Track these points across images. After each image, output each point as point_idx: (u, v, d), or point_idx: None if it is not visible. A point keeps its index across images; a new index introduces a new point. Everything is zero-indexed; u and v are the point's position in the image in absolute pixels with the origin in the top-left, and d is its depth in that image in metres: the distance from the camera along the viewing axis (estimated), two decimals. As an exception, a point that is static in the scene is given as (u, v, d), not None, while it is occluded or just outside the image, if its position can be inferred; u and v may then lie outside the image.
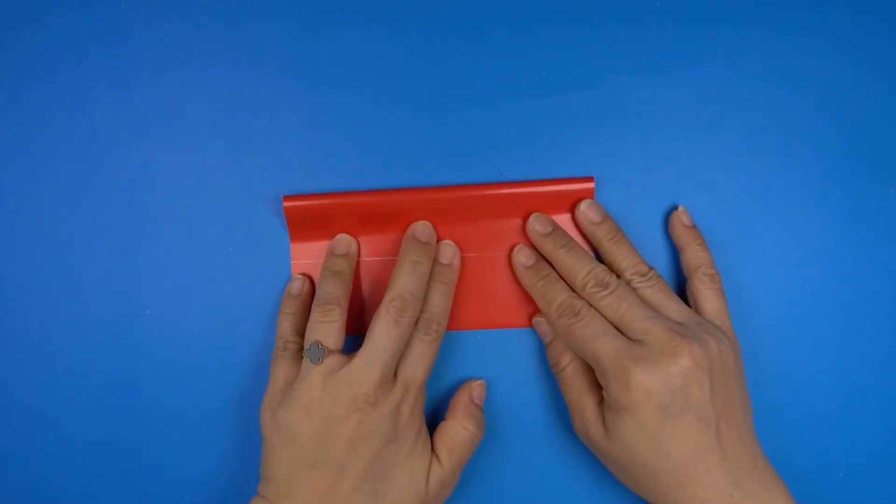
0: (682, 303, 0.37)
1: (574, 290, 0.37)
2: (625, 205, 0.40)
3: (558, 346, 0.39)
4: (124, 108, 0.41)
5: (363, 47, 0.41)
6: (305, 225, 0.40)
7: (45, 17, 0.41)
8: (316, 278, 0.41)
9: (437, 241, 0.40)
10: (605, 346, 0.35)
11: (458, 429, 0.38)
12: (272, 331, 0.41)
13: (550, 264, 0.39)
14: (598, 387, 0.37)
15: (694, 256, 0.38)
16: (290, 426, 0.35)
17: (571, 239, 0.39)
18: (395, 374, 0.36)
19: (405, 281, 0.36)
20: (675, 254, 0.40)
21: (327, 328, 0.36)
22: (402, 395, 0.36)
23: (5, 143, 0.41)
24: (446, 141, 0.40)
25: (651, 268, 0.38)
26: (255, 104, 0.41)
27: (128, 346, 0.41)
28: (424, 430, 0.38)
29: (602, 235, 0.38)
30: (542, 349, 0.41)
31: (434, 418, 0.41)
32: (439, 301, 0.38)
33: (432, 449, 0.38)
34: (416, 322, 0.37)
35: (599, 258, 0.39)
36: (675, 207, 0.40)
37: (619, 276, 0.37)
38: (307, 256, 0.41)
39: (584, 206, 0.39)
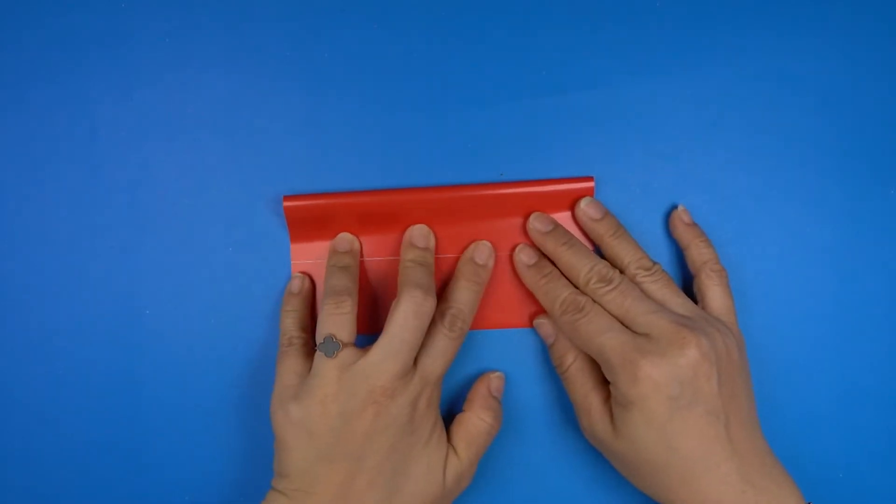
0: (686, 297, 0.37)
1: (577, 287, 0.37)
2: (625, 205, 0.40)
3: (562, 345, 0.39)
4: (124, 108, 0.41)
5: (363, 47, 0.41)
6: (305, 225, 0.40)
7: (45, 17, 0.41)
8: (317, 278, 0.41)
9: (436, 241, 0.40)
10: (611, 341, 0.35)
11: (476, 420, 0.38)
12: (272, 330, 0.41)
13: (553, 263, 0.39)
14: (603, 384, 0.37)
15: (699, 253, 0.38)
16: (306, 421, 0.35)
17: (573, 236, 0.39)
18: (415, 366, 0.36)
19: (417, 276, 0.36)
20: (677, 253, 0.40)
21: (340, 321, 0.36)
22: (421, 388, 0.36)
23: (5, 143, 0.41)
24: (446, 141, 0.40)
25: (655, 262, 0.38)
26: (255, 104, 0.41)
27: (128, 346, 0.41)
28: (440, 422, 0.38)
29: (603, 232, 0.38)
30: (544, 349, 0.41)
31: (448, 412, 0.41)
32: (468, 299, 0.38)
33: (449, 441, 0.38)
34: (442, 315, 0.37)
35: (602, 256, 0.39)
36: (674, 207, 0.40)
37: (622, 272, 0.37)
38: (307, 256, 0.41)
39: (584, 204, 0.39)
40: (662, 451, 0.34)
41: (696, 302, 0.38)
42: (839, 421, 0.41)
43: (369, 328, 0.40)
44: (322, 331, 0.36)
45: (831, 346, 0.41)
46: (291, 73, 0.41)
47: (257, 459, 0.41)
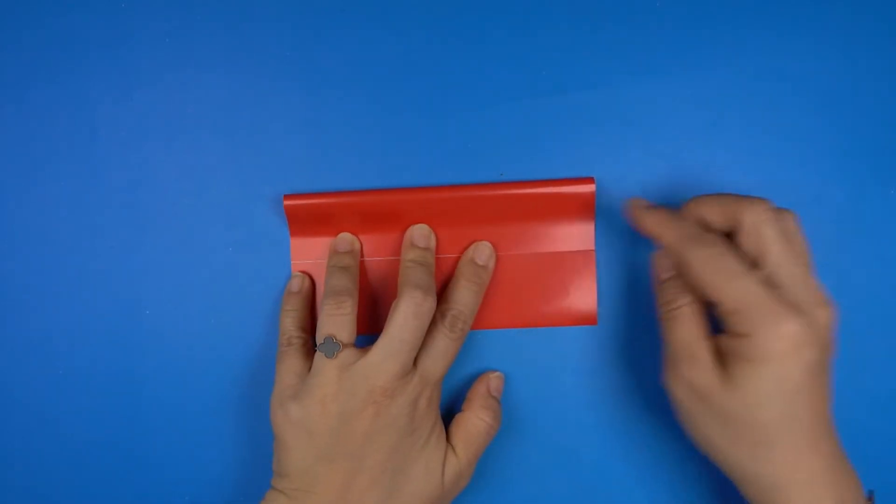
0: None
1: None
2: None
3: (677, 284, 0.35)
4: (124, 108, 0.41)
5: (363, 47, 0.41)
6: (306, 224, 0.40)
7: (45, 18, 0.41)
8: (317, 278, 0.41)
9: (437, 241, 0.40)
10: (751, 286, 0.31)
11: (475, 420, 0.38)
12: (272, 330, 0.41)
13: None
14: (712, 333, 0.34)
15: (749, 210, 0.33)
16: (306, 421, 0.35)
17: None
18: (415, 366, 0.36)
19: (417, 277, 0.36)
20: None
21: (341, 321, 0.36)
22: (421, 388, 0.36)
23: (5, 143, 0.41)
24: (446, 141, 0.40)
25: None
26: (255, 104, 0.41)
27: (128, 346, 0.41)
28: (440, 422, 0.38)
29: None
30: (544, 350, 0.41)
31: (447, 411, 0.41)
32: (469, 300, 0.38)
33: (448, 440, 0.38)
34: (443, 316, 0.37)
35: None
36: (680, 203, 0.38)
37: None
38: (307, 256, 0.41)
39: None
40: (783, 414, 0.31)
41: None
42: (839, 421, 0.41)
43: (370, 328, 0.40)
44: (322, 331, 0.36)
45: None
46: (291, 73, 0.41)
47: (257, 459, 0.41)
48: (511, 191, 0.39)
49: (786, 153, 0.40)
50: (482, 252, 0.39)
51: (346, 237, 0.40)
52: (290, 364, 0.37)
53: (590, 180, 0.39)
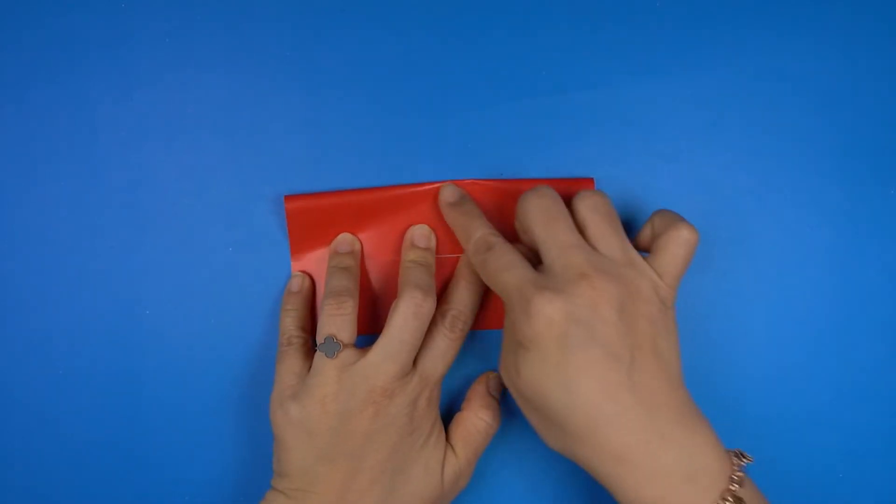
0: (627, 241, 0.35)
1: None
2: (625, 205, 0.40)
3: None
4: (124, 108, 0.41)
5: (363, 47, 0.40)
6: (306, 224, 0.40)
7: (45, 18, 0.41)
8: (317, 278, 0.41)
9: (437, 242, 0.40)
10: (511, 277, 0.33)
11: (475, 419, 0.38)
12: (272, 330, 0.41)
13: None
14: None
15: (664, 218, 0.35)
16: (305, 421, 0.35)
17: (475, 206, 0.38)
18: (415, 366, 0.36)
19: (417, 277, 0.36)
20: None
21: (341, 321, 0.36)
22: (420, 388, 0.36)
23: (5, 143, 0.41)
24: (446, 141, 0.40)
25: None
26: (255, 104, 0.41)
27: (128, 346, 0.41)
28: (439, 422, 0.38)
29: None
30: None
31: (447, 411, 0.41)
32: (468, 300, 0.38)
33: (448, 440, 0.38)
34: (443, 316, 0.37)
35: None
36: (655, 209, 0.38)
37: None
38: (307, 257, 0.40)
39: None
40: (562, 393, 0.31)
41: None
42: (839, 421, 0.41)
43: (370, 328, 0.40)
44: (323, 331, 0.36)
45: (831, 346, 0.41)
46: (291, 73, 0.41)
47: (257, 459, 0.41)
48: (511, 185, 0.39)
49: (786, 153, 0.40)
50: None
51: (346, 237, 0.40)
52: (290, 364, 0.37)
53: (589, 181, 0.39)
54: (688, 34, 0.40)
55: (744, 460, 0.32)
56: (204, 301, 0.41)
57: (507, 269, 0.34)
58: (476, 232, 0.36)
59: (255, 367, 0.41)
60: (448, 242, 0.40)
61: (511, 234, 0.40)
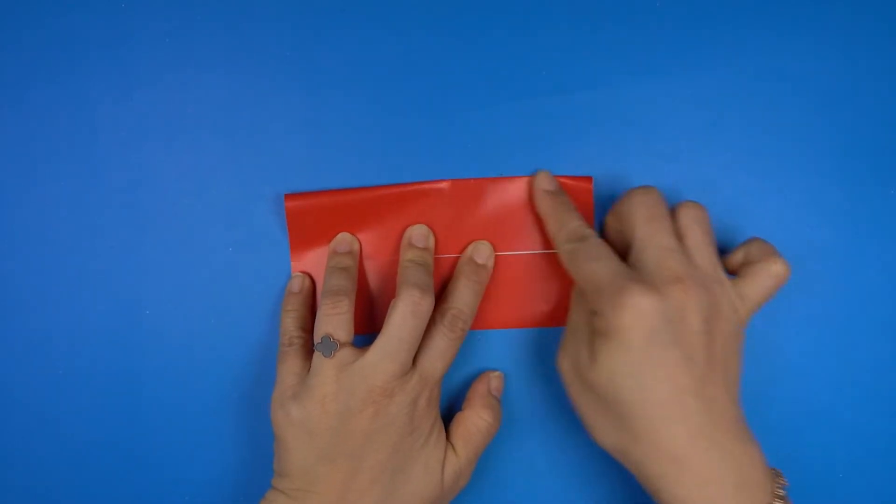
0: (718, 257, 0.36)
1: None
2: (625, 205, 0.40)
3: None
4: (124, 108, 0.41)
5: (363, 47, 0.41)
6: (306, 223, 0.40)
7: (45, 18, 0.41)
8: (317, 278, 0.41)
9: (436, 242, 0.40)
10: (603, 268, 0.34)
11: (475, 419, 0.38)
12: (273, 330, 0.41)
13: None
14: (592, 314, 0.35)
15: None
16: (305, 421, 0.35)
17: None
18: (415, 365, 0.36)
19: (415, 276, 0.36)
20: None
21: (338, 320, 0.36)
22: (420, 387, 0.36)
23: (5, 143, 0.41)
24: (446, 141, 0.40)
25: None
26: (255, 104, 0.41)
27: (128, 346, 0.41)
28: (439, 421, 0.38)
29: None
30: (544, 350, 0.41)
31: (447, 410, 0.41)
32: (468, 299, 0.38)
33: (448, 439, 0.38)
34: (443, 315, 0.37)
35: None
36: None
37: None
38: (307, 256, 0.41)
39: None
40: (635, 386, 0.32)
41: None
42: (839, 421, 0.41)
43: (369, 328, 0.41)
44: (320, 331, 0.36)
45: (831, 347, 0.41)
46: (291, 73, 0.41)
47: (257, 459, 0.41)
48: (510, 183, 0.39)
49: (786, 153, 0.40)
50: (482, 251, 0.39)
51: (345, 237, 0.40)
52: (290, 364, 0.37)
53: (588, 179, 0.40)
54: (688, 34, 0.40)
55: (781, 479, 0.33)
56: (204, 301, 0.41)
57: (598, 260, 0.34)
58: (571, 222, 0.37)
59: (255, 367, 0.41)
60: (446, 242, 0.40)
61: (510, 233, 0.40)
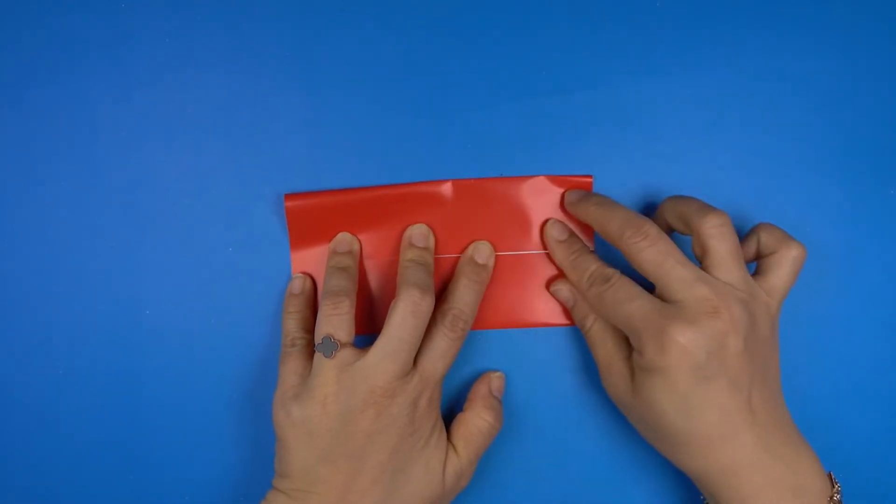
0: (745, 268, 0.36)
1: (612, 242, 0.36)
2: (625, 204, 0.40)
3: (581, 307, 0.39)
4: (124, 108, 0.41)
5: (363, 47, 0.40)
6: (306, 223, 0.40)
7: (45, 18, 0.41)
8: (317, 277, 0.41)
9: (436, 242, 0.40)
10: (637, 310, 0.34)
11: (476, 420, 0.38)
12: (273, 330, 0.41)
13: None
14: (625, 342, 0.37)
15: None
16: (307, 422, 0.35)
17: (605, 196, 0.39)
18: (416, 366, 0.36)
19: (415, 276, 0.36)
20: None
21: (338, 321, 0.36)
22: (421, 388, 0.36)
23: (5, 143, 0.41)
24: (446, 141, 0.40)
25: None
26: (255, 104, 0.41)
27: (128, 346, 0.41)
28: (441, 421, 0.38)
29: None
30: (544, 350, 0.41)
31: (448, 411, 0.41)
32: (469, 299, 0.38)
33: (449, 439, 0.38)
34: (443, 316, 0.37)
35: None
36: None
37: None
38: (307, 256, 0.40)
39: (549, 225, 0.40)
40: (682, 419, 0.33)
41: None
42: (839, 421, 0.41)
43: (370, 329, 0.41)
44: (320, 331, 0.36)
45: (832, 347, 0.41)
46: (291, 73, 0.41)
47: (257, 459, 0.41)
48: (510, 185, 0.39)
49: (786, 153, 0.40)
50: (482, 251, 0.39)
51: (345, 237, 0.40)
52: (292, 365, 0.37)
53: (587, 178, 0.40)
54: (688, 34, 0.40)
55: (836, 484, 0.34)
56: (204, 301, 0.41)
57: (630, 300, 0.35)
58: (590, 266, 0.37)
59: (256, 367, 0.41)
60: (447, 243, 0.40)
61: (511, 233, 0.40)
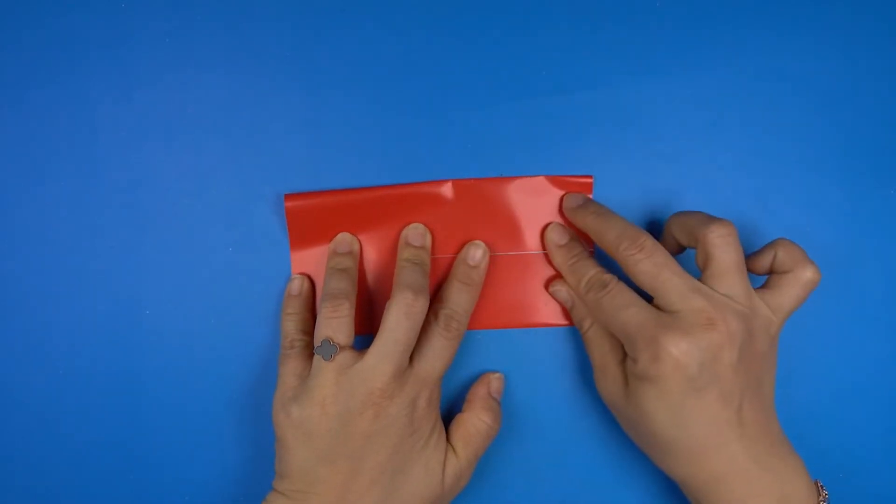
0: (748, 281, 0.36)
1: (609, 252, 0.36)
2: (625, 205, 0.40)
3: (581, 309, 0.39)
4: (124, 108, 0.41)
5: (363, 47, 0.40)
6: (306, 223, 0.40)
7: (45, 18, 0.41)
8: (316, 277, 0.41)
9: (433, 242, 0.40)
10: (633, 317, 0.34)
11: (475, 421, 0.38)
12: (273, 330, 0.41)
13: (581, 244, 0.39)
14: (621, 347, 0.37)
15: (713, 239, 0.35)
16: (306, 423, 0.35)
17: (603, 206, 0.39)
18: (412, 367, 0.36)
19: (410, 276, 0.37)
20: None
21: (337, 324, 0.36)
22: (419, 388, 0.36)
23: (5, 143, 0.41)
24: (446, 141, 0.40)
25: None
26: (255, 104, 0.41)
27: (128, 346, 0.41)
28: (440, 422, 0.38)
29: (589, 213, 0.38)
30: (544, 350, 0.41)
31: (447, 412, 0.41)
32: (463, 301, 0.38)
33: (448, 440, 0.38)
34: (437, 316, 0.37)
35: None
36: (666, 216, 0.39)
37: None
38: (307, 256, 0.40)
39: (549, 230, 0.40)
40: (671, 427, 0.34)
41: None
42: (839, 421, 0.41)
43: (369, 329, 0.41)
44: (320, 334, 0.36)
45: (831, 347, 0.41)
46: (291, 73, 0.41)
47: (257, 460, 0.41)
48: (509, 185, 0.39)
49: (786, 153, 0.40)
50: (474, 253, 0.39)
51: (345, 238, 0.40)
52: (292, 366, 0.38)
53: (587, 178, 0.40)
54: (688, 34, 0.40)
55: (823, 491, 0.34)
56: (204, 301, 0.41)
57: (626, 308, 0.35)
58: (588, 271, 0.37)
59: (256, 367, 0.41)
60: (447, 243, 0.40)
61: (510, 233, 0.40)
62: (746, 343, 0.33)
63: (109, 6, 0.41)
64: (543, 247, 0.40)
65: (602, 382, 0.37)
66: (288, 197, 0.40)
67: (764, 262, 0.36)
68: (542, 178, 0.40)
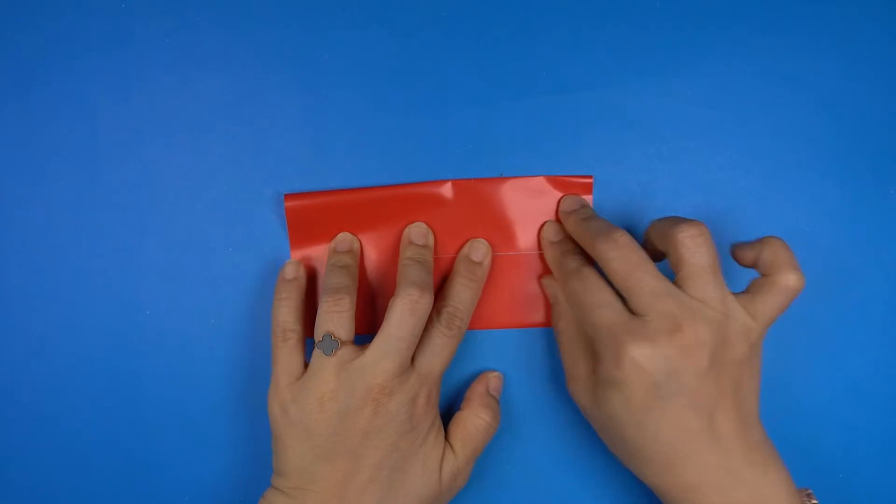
0: (724, 286, 0.34)
1: (590, 253, 0.36)
2: (625, 205, 0.40)
3: (559, 309, 0.39)
4: (124, 108, 0.41)
5: (363, 47, 0.40)
6: (306, 223, 0.40)
7: (45, 18, 0.41)
8: (317, 280, 0.41)
9: (435, 241, 0.40)
10: (603, 318, 0.34)
11: (474, 419, 0.38)
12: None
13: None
14: (591, 350, 0.36)
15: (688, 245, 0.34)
16: (304, 420, 0.35)
17: (592, 211, 0.39)
18: (413, 364, 0.36)
19: (414, 273, 0.36)
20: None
21: (339, 319, 0.35)
22: (419, 386, 0.36)
23: (5, 143, 0.41)
24: (446, 141, 0.40)
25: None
26: (255, 104, 0.41)
27: (128, 346, 0.41)
28: (439, 420, 0.38)
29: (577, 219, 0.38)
30: (544, 350, 0.41)
31: (446, 410, 0.41)
32: (465, 298, 0.38)
33: (447, 439, 0.38)
34: (439, 313, 0.37)
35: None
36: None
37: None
38: (307, 255, 0.41)
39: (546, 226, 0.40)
40: (639, 435, 0.33)
41: None
42: (839, 421, 0.41)
43: (369, 328, 0.41)
44: (320, 328, 0.36)
45: (831, 346, 0.41)
46: (291, 73, 0.41)
47: (257, 459, 0.41)
48: (510, 185, 0.39)
49: (786, 153, 0.40)
50: (478, 249, 0.39)
51: (345, 237, 0.40)
52: (287, 361, 0.37)
53: (587, 179, 0.40)
54: (688, 34, 0.40)
55: (812, 500, 0.34)
56: (204, 301, 0.41)
57: (599, 308, 0.34)
58: (571, 263, 0.37)
59: (255, 367, 0.41)
60: (447, 242, 0.40)
61: (511, 233, 0.40)
62: (719, 350, 0.32)
63: (109, 6, 0.41)
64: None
65: (572, 386, 0.37)
66: (288, 197, 0.40)
67: (749, 254, 0.35)
68: (541, 179, 0.40)
